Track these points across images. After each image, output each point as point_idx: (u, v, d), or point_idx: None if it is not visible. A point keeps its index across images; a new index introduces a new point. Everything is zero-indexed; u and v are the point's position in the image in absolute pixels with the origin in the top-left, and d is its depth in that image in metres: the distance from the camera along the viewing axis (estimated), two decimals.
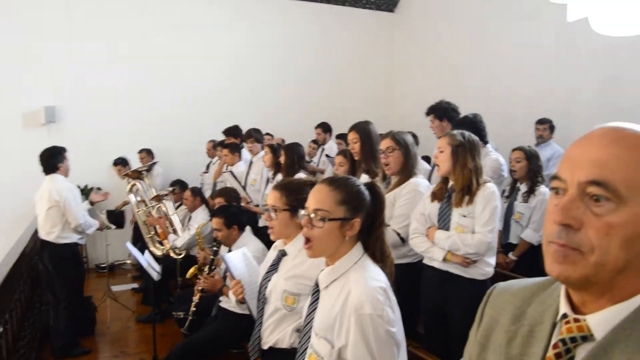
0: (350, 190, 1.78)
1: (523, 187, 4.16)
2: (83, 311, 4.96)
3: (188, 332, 3.81)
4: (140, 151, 7.36)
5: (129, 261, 7.30)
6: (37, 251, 4.79)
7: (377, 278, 1.70)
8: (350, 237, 1.76)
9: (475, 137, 2.87)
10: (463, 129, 3.92)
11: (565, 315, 0.84)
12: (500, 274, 3.23)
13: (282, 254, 2.46)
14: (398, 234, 3.04)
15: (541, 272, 0.89)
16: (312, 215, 1.75)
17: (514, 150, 4.26)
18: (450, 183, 2.87)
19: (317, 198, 1.78)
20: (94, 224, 4.84)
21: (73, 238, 4.64)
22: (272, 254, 2.61)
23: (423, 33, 8.72)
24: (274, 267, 2.47)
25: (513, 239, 4.20)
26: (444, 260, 2.82)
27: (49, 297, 4.85)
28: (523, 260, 4.03)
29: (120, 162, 7.04)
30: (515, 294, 0.97)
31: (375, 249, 1.79)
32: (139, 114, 7.70)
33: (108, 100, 7.55)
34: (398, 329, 1.67)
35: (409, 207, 3.03)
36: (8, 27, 7.08)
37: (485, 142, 3.88)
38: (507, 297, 0.98)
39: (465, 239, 2.74)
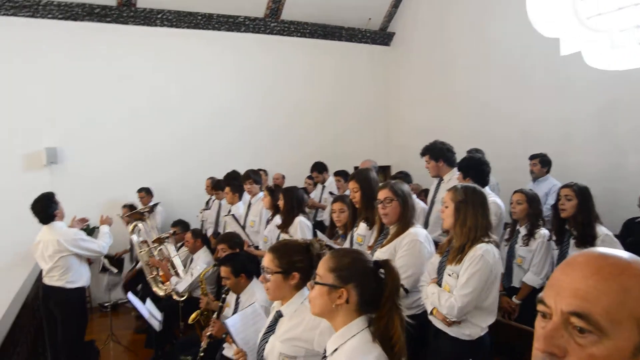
0: (343, 260, 1.85)
1: (523, 230, 4.15)
2: (86, 356, 4.96)
3: None
4: (140, 190, 7.41)
5: None
6: (40, 298, 4.79)
7: (361, 357, 1.71)
8: (344, 307, 1.80)
9: (480, 190, 2.87)
10: (467, 171, 3.99)
11: None
12: (502, 326, 3.23)
13: (279, 315, 2.47)
14: (402, 286, 3.05)
15: None
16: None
17: (515, 192, 4.26)
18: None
19: (319, 263, 1.89)
20: (108, 242, 4.96)
21: (82, 282, 4.68)
22: (271, 314, 2.63)
23: (418, 65, 8.86)
24: (271, 328, 2.49)
25: (516, 283, 4.18)
26: (431, 314, 2.85)
27: (51, 343, 4.85)
28: (527, 304, 4.00)
29: (128, 206, 7.10)
30: None
31: (379, 328, 1.77)
32: (137, 153, 7.79)
33: (108, 140, 7.64)
34: None
35: (409, 257, 3.05)
36: (10, 71, 7.19)
37: (484, 185, 3.91)
38: None
39: (442, 298, 2.75)
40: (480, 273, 2.67)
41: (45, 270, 4.59)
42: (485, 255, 2.69)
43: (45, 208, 4.58)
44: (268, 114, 8.60)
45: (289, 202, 4.64)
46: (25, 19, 7.26)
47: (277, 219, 4.76)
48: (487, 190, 3.94)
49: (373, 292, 1.81)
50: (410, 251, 3.07)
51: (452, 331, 2.78)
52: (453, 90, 7.96)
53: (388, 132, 9.51)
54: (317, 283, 1.85)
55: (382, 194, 3.20)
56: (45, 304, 4.67)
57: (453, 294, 2.71)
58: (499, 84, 7.16)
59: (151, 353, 5.33)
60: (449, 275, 2.78)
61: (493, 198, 3.91)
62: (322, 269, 1.86)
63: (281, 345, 2.34)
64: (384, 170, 8.84)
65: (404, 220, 3.17)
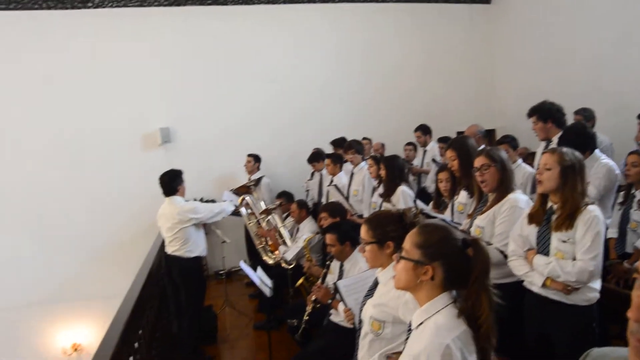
0: (430, 237, 1.82)
1: (638, 194, 3.87)
2: (205, 320, 5.37)
3: (300, 340, 4.00)
4: (249, 155, 7.67)
5: None
6: (163, 267, 5.21)
7: (446, 333, 1.68)
8: (428, 283, 1.78)
9: (580, 157, 2.73)
10: (570, 138, 3.78)
11: None
12: (611, 293, 3.06)
13: (377, 281, 2.59)
14: (502, 252, 3.00)
15: None
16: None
17: (630, 154, 3.96)
18: (550, 204, 2.76)
19: (406, 237, 1.87)
20: (229, 205, 5.31)
21: (200, 251, 5.03)
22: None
23: (522, 23, 8.35)
24: (370, 292, 2.61)
25: (630, 248, 3.92)
26: (544, 285, 2.72)
27: (174, 308, 5.29)
28: None
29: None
30: None
31: (465, 307, 1.74)
32: (243, 128, 8.12)
33: (216, 118, 8.06)
34: None
35: (509, 224, 2.98)
36: (127, 58, 7.78)
37: (593, 149, 3.70)
38: None
39: (565, 266, 2.61)
40: (601, 234, 2.59)
41: (167, 240, 5.00)
42: (599, 216, 2.60)
43: (171, 181, 4.97)
44: (367, 82, 8.55)
45: (390, 171, 4.67)
46: (135, 8, 7.80)
47: (382, 188, 4.80)
48: (597, 153, 3.73)
49: (460, 271, 1.77)
50: (509, 217, 2.99)
51: (570, 299, 2.66)
52: (560, 48, 7.45)
53: (492, 94, 9.12)
54: (402, 258, 1.83)
55: (478, 161, 3.14)
56: (168, 271, 5.09)
57: (579, 258, 2.59)
58: (612, 37, 6.60)
59: (263, 317, 5.65)
60: (563, 242, 2.64)
61: (606, 160, 3.69)
62: (409, 244, 1.83)
63: (373, 309, 2.47)
64: (488, 134, 8.51)
65: (503, 187, 3.09)
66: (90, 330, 7.91)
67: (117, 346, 2.69)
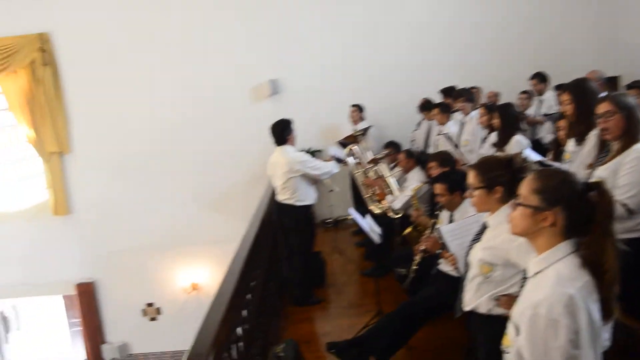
0: (549, 181, 1.72)
1: None
2: (315, 264, 5.57)
3: (408, 289, 4.05)
4: (353, 106, 7.66)
5: (350, 217, 7.85)
6: (275, 213, 5.41)
7: (569, 283, 1.60)
8: (548, 229, 1.70)
9: None
10: None
11: None
12: None
13: (485, 225, 2.56)
14: (624, 205, 2.80)
15: None
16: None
17: None
18: None
19: (523, 183, 1.79)
20: (333, 167, 5.34)
21: (309, 200, 5.17)
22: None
23: None
24: (477, 237, 2.60)
25: None
26: None
27: (285, 253, 5.52)
28: None
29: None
30: None
31: (588, 254, 1.66)
32: (351, 78, 8.10)
33: (324, 68, 8.10)
34: (579, 341, 1.55)
35: (634, 175, 2.77)
36: (241, 6, 8.04)
37: None
38: None
39: None
40: None
41: (277, 189, 5.18)
42: None
43: (281, 131, 5.09)
44: (477, 27, 8.13)
45: (504, 119, 4.49)
46: None
47: (493, 138, 4.65)
48: None
49: (582, 216, 1.66)
50: (635, 168, 2.78)
51: None
52: None
53: (615, 32, 8.29)
54: (519, 204, 1.75)
55: (602, 107, 2.91)
56: (279, 218, 5.29)
57: None
58: None
59: (369, 265, 5.76)
60: None
61: None
62: (526, 190, 1.74)
63: (482, 252, 2.48)
64: (610, 81, 7.78)
65: (629, 136, 2.85)
66: (207, 271, 8.53)
67: (237, 282, 2.88)
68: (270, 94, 8.02)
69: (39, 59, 8.20)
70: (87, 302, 8.79)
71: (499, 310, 2.39)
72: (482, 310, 2.49)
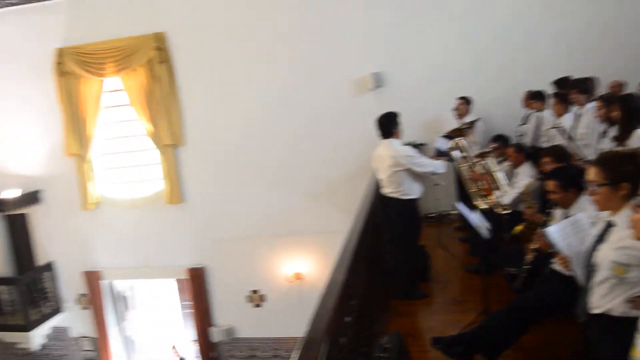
0: None
1: None
2: (419, 258, 5.53)
3: (519, 288, 3.92)
4: (460, 98, 7.47)
5: (454, 212, 7.70)
6: (380, 206, 5.42)
7: None
8: None
9: None
10: None
11: None
12: None
13: (610, 224, 2.45)
14: None
15: None
16: None
17: None
18: None
19: None
20: (440, 166, 5.27)
21: (415, 194, 5.13)
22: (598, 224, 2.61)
23: None
24: (601, 237, 2.50)
25: None
26: None
27: (389, 246, 5.52)
28: None
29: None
30: None
31: None
32: (456, 70, 7.91)
33: (428, 60, 7.98)
34: None
35: None
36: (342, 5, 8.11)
37: None
38: None
39: None
40: None
41: (383, 182, 5.19)
42: None
43: (388, 124, 5.09)
44: (593, 12, 7.58)
45: (625, 111, 4.20)
46: None
47: (613, 131, 4.37)
48: None
49: None
50: None
51: None
52: None
53: None
54: None
55: None
56: (384, 211, 5.30)
57: None
58: None
59: (474, 261, 5.63)
60: None
61: None
62: None
63: (614, 253, 2.38)
64: None
65: None
66: (309, 261, 8.74)
67: (347, 273, 2.95)
68: (373, 87, 8.04)
69: (155, 58, 8.77)
70: (197, 286, 9.34)
71: (634, 313, 2.29)
72: (616, 313, 2.40)
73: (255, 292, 9.21)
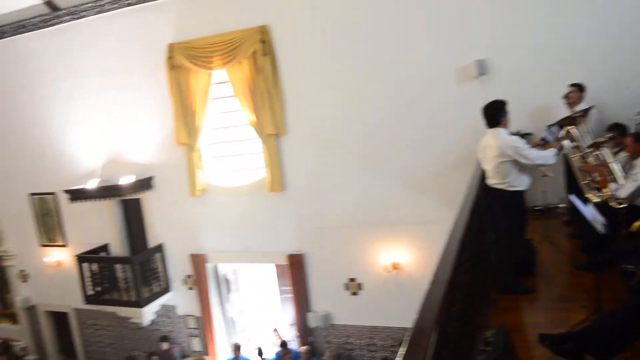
0: None
1: None
2: (525, 252, 5.33)
3: (636, 288, 3.70)
4: (572, 85, 7.02)
5: (562, 205, 7.35)
6: (485, 197, 5.27)
7: None
8: None
9: None
10: None
11: None
12: None
13: None
14: None
15: None
16: None
17: None
18: None
19: None
20: (549, 157, 5.02)
21: (522, 186, 4.94)
22: None
23: None
24: None
25: None
26: None
27: (494, 238, 5.36)
28: None
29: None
30: None
31: None
32: (565, 57, 7.44)
33: (534, 46, 7.58)
34: None
35: None
36: None
37: None
38: None
39: None
40: None
41: (488, 172, 5.04)
42: None
43: (495, 113, 4.93)
44: None
45: None
46: None
47: None
48: None
49: None
50: None
51: None
52: None
53: None
54: None
55: None
56: (488, 202, 5.15)
57: None
58: None
59: (582, 257, 5.35)
60: None
61: None
62: None
63: None
64: None
65: None
66: (407, 252, 8.70)
67: (454, 263, 2.93)
68: (477, 75, 7.80)
69: (259, 50, 9.04)
70: (296, 272, 9.59)
71: None
72: None
73: (352, 280, 9.30)
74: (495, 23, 7.76)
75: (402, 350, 2.14)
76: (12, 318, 13.67)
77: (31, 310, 13.11)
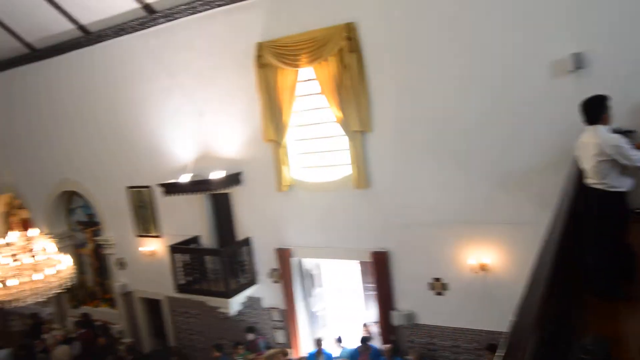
0: None
1: None
2: (623, 256, 5.03)
3: None
4: None
5: None
6: (582, 197, 5.03)
7: None
8: None
9: None
10: None
11: None
12: None
13: None
14: None
15: None
16: None
17: None
18: None
19: None
20: None
21: (623, 187, 4.69)
22: None
23: None
24: None
25: None
26: None
27: (591, 240, 5.10)
28: None
29: None
30: None
31: None
32: None
33: (636, 37, 7.11)
34: None
35: None
36: None
37: None
38: None
39: None
40: None
41: (587, 172, 4.81)
42: None
43: (596, 109, 4.71)
44: None
45: None
46: None
47: None
48: None
49: None
50: None
51: None
52: None
53: None
54: None
55: None
56: (587, 202, 4.91)
57: None
58: None
59: None
60: None
61: None
62: None
63: None
64: None
65: None
66: (495, 252, 8.46)
67: (551, 266, 2.83)
68: (573, 69, 7.42)
69: (346, 47, 9.07)
70: (380, 269, 9.59)
71: None
72: None
73: (437, 280, 9.17)
74: (591, 14, 7.33)
75: (499, 353, 2.11)
76: (111, 303, 14.65)
77: (127, 296, 13.96)
